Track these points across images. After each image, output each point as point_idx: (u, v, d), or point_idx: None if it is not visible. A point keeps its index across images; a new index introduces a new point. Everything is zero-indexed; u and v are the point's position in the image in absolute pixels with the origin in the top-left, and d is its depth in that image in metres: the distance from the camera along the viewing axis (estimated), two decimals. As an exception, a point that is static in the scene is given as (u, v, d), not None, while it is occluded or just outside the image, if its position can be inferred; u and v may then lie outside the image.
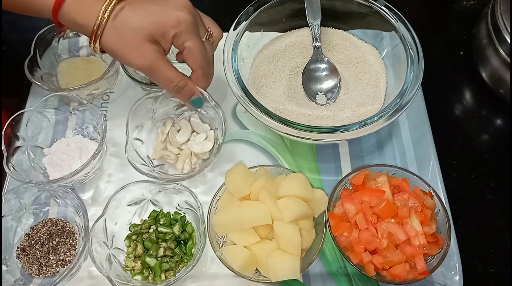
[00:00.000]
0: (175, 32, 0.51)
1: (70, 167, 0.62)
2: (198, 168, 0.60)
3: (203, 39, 0.55)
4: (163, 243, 0.58)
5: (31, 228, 0.61)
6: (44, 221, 0.61)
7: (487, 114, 0.72)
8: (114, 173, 0.65)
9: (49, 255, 0.59)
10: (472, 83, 0.75)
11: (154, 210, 0.62)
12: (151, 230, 0.59)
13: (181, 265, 0.57)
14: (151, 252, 0.57)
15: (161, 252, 0.57)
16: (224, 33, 0.65)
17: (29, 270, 0.58)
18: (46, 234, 0.60)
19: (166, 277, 0.56)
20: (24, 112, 0.62)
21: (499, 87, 0.70)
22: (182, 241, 0.60)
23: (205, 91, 0.58)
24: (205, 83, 0.58)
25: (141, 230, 0.59)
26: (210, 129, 0.65)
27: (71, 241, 0.60)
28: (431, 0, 0.85)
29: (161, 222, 0.60)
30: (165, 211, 0.62)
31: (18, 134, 0.62)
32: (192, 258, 0.57)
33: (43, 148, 0.65)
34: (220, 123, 0.61)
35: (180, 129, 0.65)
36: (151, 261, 0.57)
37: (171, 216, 0.61)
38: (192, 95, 0.57)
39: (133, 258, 0.58)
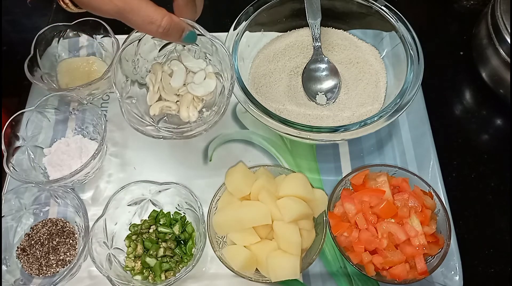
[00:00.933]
0: None
1: (70, 167, 0.62)
2: (212, 112, 0.51)
3: None
4: (163, 243, 0.58)
5: (31, 228, 0.61)
6: (44, 221, 0.61)
7: (487, 114, 0.72)
8: (114, 173, 0.65)
9: (49, 255, 0.59)
10: (472, 83, 0.75)
11: (154, 210, 0.62)
12: (151, 230, 0.59)
13: (181, 265, 0.57)
14: (151, 252, 0.57)
15: (161, 252, 0.57)
16: (224, 33, 0.65)
17: (29, 270, 0.58)
18: (46, 234, 0.60)
19: (166, 277, 0.56)
20: (24, 112, 0.62)
21: (499, 87, 0.70)
22: (182, 241, 0.60)
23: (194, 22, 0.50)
24: (192, 12, 0.49)
25: (141, 230, 0.59)
26: (207, 65, 0.57)
27: (71, 241, 0.60)
28: (431, 0, 0.85)
29: (161, 222, 0.60)
30: (165, 211, 0.62)
31: (18, 134, 0.62)
32: (192, 258, 0.57)
33: (43, 148, 0.65)
34: (223, 57, 0.52)
35: (172, 73, 0.57)
36: (151, 261, 0.57)
37: (171, 216, 0.61)
38: (182, 31, 0.48)
39: (133, 258, 0.58)
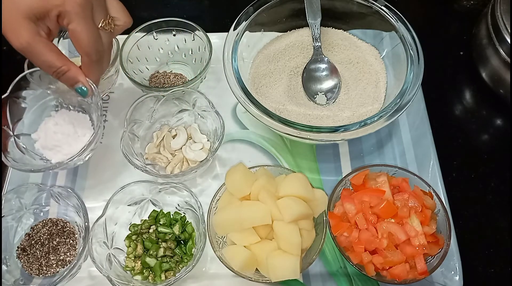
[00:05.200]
0: (59, 10, 0.47)
1: (69, 145, 0.60)
2: (189, 169, 0.60)
3: (99, 26, 0.51)
4: (163, 243, 0.58)
5: (31, 228, 0.61)
6: (44, 221, 0.61)
7: (487, 114, 0.72)
8: (114, 173, 0.65)
9: (49, 255, 0.59)
10: (472, 83, 0.75)
11: (154, 210, 0.62)
12: (151, 230, 0.59)
13: (181, 265, 0.57)
14: (151, 252, 0.57)
15: (161, 252, 0.57)
16: (224, 33, 0.65)
17: (29, 270, 0.58)
18: (46, 234, 0.60)
19: (166, 277, 0.56)
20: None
21: (499, 87, 0.70)
22: (182, 241, 0.60)
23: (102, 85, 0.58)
24: (93, 72, 0.54)
25: (141, 230, 0.59)
26: (207, 141, 0.65)
27: (71, 241, 0.60)
28: (431, 0, 0.85)
29: (161, 222, 0.60)
30: (165, 211, 0.62)
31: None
32: (192, 258, 0.57)
33: (30, 135, 0.62)
34: (219, 128, 0.61)
35: (175, 135, 0.66)
36: (151, 261, 0.57)
37: (171, 216, 0.61)
38: (75, 83, 0.53)
39: (133, 258, 0.58)
